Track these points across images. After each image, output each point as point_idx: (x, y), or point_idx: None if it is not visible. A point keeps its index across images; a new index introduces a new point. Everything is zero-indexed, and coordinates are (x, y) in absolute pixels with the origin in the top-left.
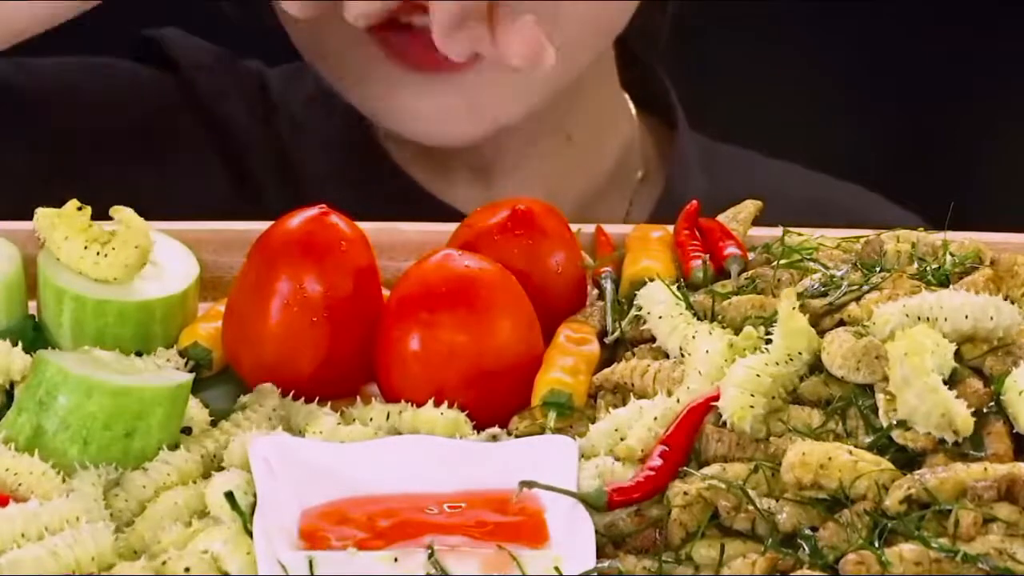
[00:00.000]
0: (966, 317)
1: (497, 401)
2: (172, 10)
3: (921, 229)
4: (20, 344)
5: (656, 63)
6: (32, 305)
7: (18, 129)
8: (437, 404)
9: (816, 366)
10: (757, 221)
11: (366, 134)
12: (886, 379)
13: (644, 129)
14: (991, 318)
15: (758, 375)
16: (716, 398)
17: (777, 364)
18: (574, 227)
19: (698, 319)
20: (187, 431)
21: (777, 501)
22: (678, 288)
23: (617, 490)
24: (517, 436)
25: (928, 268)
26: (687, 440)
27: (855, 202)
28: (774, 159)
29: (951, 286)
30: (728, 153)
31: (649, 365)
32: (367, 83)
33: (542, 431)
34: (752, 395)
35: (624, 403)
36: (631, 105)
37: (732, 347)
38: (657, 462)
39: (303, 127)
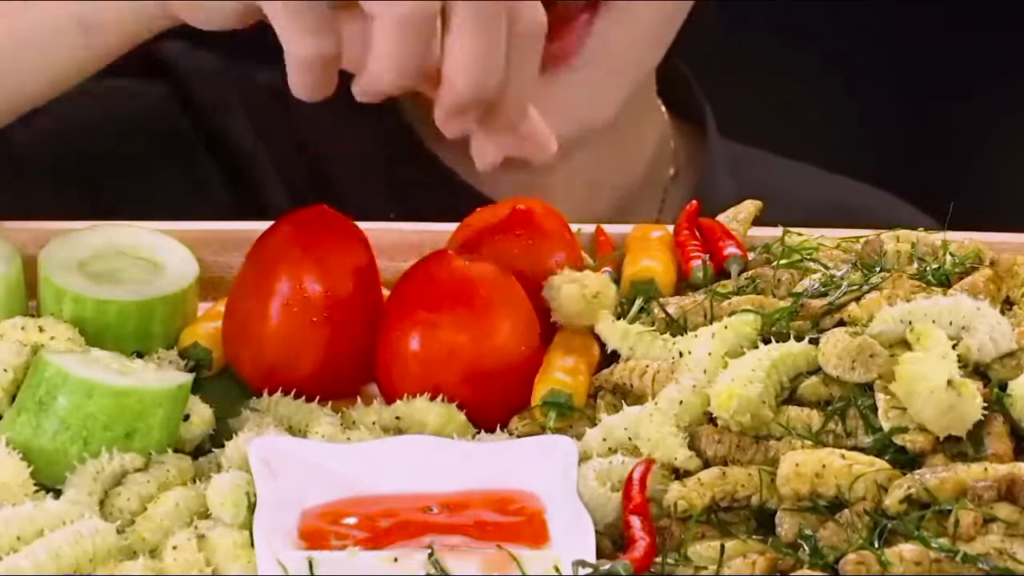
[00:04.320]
0: (953, 324)
1: (497, 401)
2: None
3: (922, 229)
4: None
5: (684, 67)
6: (32, 305)
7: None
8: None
9: (815, 367)
10: (758, 221)
11: (404, 133)
12: (881, 377)
13: (675, 131)
14: (987, 334)
15: (738, 372)
16: (653, 461)
17: (760, 356)
18: (574, 227)
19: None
20: (186, 418)
21: (776, 507)
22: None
23: (635, 560)
24: (517, 436)
25: (928, 268)
26: (645, 498)
27: (876, 205)
28: (796, 162)
29: (952, 286)
30: (752, 156)
31: (648, 366)
32: None
33: (542, 431)
34: (732, 379)
35: (624, 402)
36: (661, 104)
37: (727, 328)
38: (641, 533)
39: (331, 130)
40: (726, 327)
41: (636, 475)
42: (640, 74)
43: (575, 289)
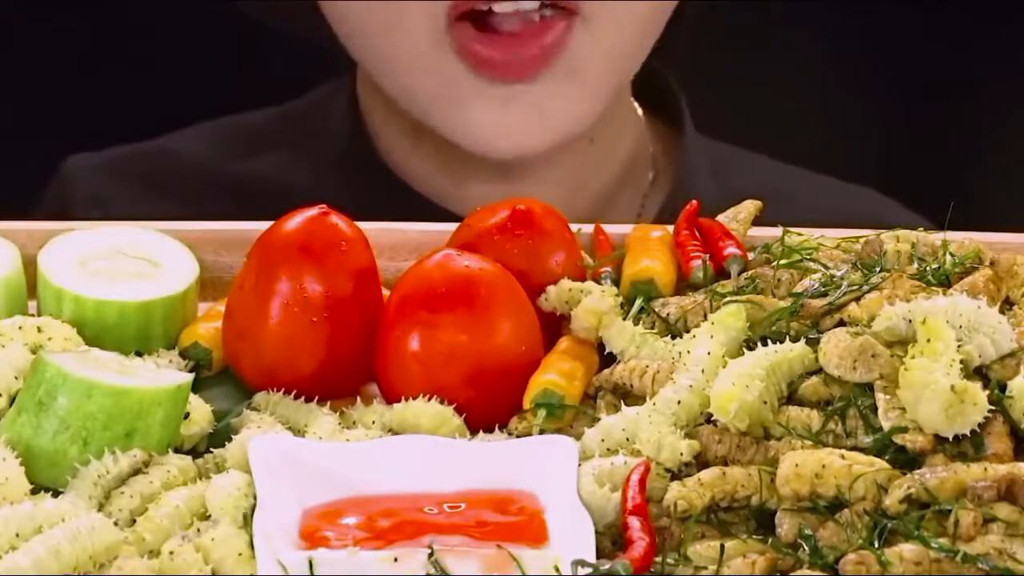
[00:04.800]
0: (950, 323)
1: (497, 401)
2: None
3: (921, 229)
4: None
5: (663, 66)
6: (32, 305)
7: None
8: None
9: (814, 368)
10: (758, 221)
11: (368, 152)
12: (882, 377)
13: (653, 132)
14: (990, 330)
15: (737, 374)
16: (651, 462)
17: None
18: (574, 227)
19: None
20: (185, 416)
21: (776, 507)
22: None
23: (634, 560)
24: (516, 436)
25: (928, 268)
26: (644, 499)
27: (862, 205)
28: (780, 162)
29: (952, 286)
30: (735, 156)
31: (648, 366)
32: (441, 96)
33: (539, 431)
34: (732, 383)
35: (624, 402)
36: (637, 106)
37: (714, 325)
38: (640, 534)
39: (299, 146)
40: (713, 323)
41: (635, 477)
42: (617, 82)
43: (596, 300)
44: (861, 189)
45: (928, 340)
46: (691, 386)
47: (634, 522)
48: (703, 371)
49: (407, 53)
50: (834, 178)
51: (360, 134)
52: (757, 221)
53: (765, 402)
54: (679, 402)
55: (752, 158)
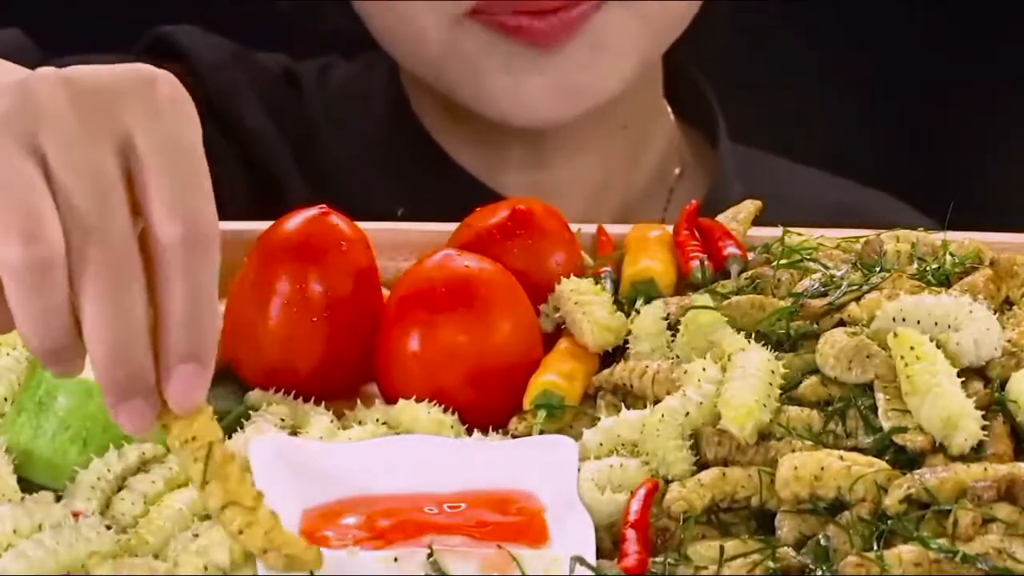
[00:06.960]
0: (940, 324)
1: (497, 402)
2: (192, 6)
3: (921, 229)
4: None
5: (693, 71)
6: None
7: None
8: (436, 404)
9: (815, 367)
10: (757, 221)
11: (411, 123)
12: (879, 377)
13: (680, 129)
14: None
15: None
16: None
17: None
18: (574, 227)
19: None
20: None
21: (777, 508)
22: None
23: (627, 568)
24: (512, 437)
25: (928, 268)
26: (646, 516)
27: (881, 209)
28: (801, 165)
29: (952, 286)
30: (756, 159)
31: (648, 366)
32: (460, 62)
33: (537, 432)
34: (755, 400)
35: (625, 402)
36: (668, 108)
37: (689, 327)
38: (635, 547)
39: (340, 119)
40: (688, 326)
41: (641, 492)
42: (646, 53)
43: (607, 316)
44: (879, 193)
45: (911, 348)
46: (701, 403)
47: (631, 534)
48: (714, 384)
49: (421, 25)
50: (857, 183)
51: (397, 106)
52: (757, 221)
53: (764, 406)
54: (687, 414)
55: (774, 161)
